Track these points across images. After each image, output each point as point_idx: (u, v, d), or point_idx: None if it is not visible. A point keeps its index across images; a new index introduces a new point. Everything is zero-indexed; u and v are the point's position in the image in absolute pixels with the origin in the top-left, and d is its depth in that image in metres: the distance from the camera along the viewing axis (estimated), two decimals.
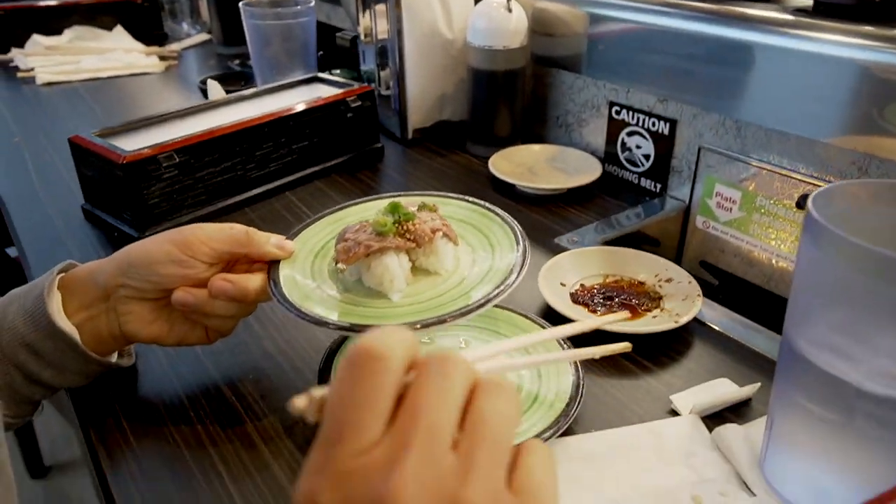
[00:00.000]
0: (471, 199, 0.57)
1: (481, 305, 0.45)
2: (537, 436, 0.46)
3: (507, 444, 0.24)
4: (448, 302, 0.47)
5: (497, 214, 0.55)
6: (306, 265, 0.52)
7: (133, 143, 0.74)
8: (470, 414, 0.24)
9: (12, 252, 1.51)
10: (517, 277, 0.47)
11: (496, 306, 0.48)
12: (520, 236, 0.52)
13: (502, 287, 0.46)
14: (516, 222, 0.54)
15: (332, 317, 0.46)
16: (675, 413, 0.50)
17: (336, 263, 0.51)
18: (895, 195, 0.39)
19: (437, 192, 0.58)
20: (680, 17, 0.75)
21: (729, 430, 0.47)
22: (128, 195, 0.72)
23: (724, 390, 0.52)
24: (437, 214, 0.52)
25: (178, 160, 0.74)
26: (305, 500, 0.23)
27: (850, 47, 0.61)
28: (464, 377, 0.25)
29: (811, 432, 0.40)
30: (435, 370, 0.25)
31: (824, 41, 0.63)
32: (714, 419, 0.49)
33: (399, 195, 0.57)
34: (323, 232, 0.55)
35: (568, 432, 0.48)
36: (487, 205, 0.56)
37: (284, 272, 0.50)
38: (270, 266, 0.50)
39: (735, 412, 0.51)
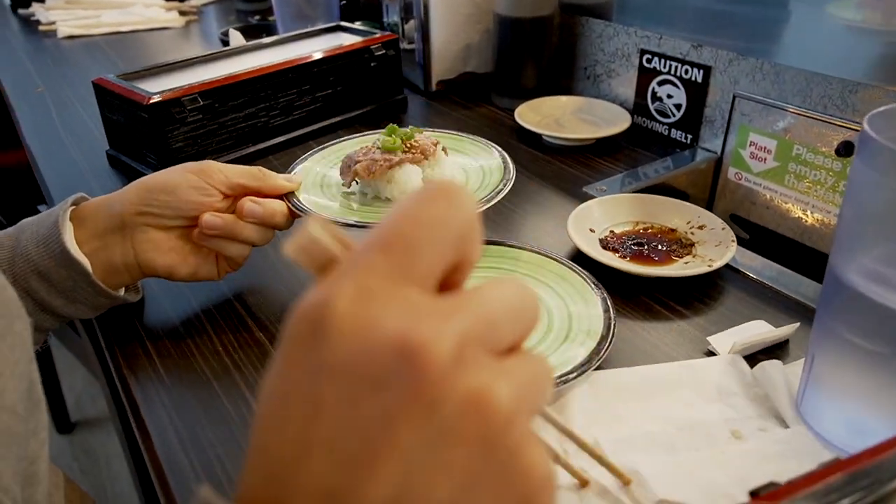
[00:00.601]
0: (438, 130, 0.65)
1: (494, 196, 0.54)
2: (569, 373, 0.45)
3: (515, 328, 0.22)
4: None
5: (463, 136, 0.64)
6: (316, 192, 0.58)
7: (157, 87, 0.73)
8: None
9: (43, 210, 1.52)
10: (511, 171, 0.58)
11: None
12: (492, 144, 0.62)
13: (504, 182, 0.56)
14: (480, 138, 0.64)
15: (353, 219, 0.54)
16: (711, 354, 0.49)
17: (349, 185, 0.58)
18: None
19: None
20: None
21: (773, 366, 0.45)
22: (152, 137, 0.71)
23: (763, 330, 0.50)
24: (427, 135, 0.60)
25: (202, 103, 0.73)
26: (317, 303, 0.19)
27: None
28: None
29: (855, 366, 0.39)
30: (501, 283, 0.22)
31: None
32: (750, 362, 0.48)
33: (375, 132, 0.63)
34: (318, 166, 0.62)
35: (599, 370, 0.47)
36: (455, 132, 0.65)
37: (301, 197, 0.56)
38: (285, 196, 0.55)
39: (772, 355, 0.49)
